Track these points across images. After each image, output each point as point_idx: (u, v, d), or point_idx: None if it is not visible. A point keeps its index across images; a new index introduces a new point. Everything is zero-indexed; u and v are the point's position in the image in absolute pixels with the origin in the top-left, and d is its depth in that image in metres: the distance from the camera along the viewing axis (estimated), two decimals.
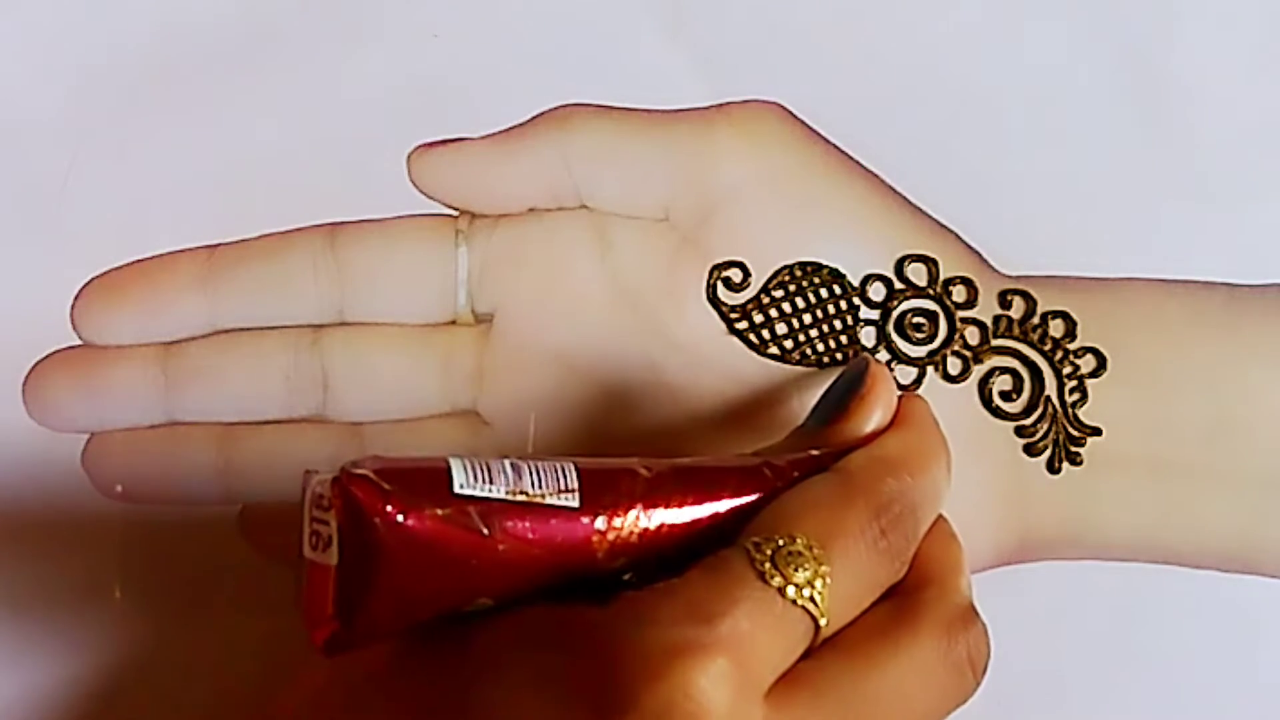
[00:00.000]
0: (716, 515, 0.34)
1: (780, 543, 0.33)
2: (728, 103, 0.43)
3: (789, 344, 0.43)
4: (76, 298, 0.42)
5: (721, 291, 0.42)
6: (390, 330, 0.42)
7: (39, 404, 0.42)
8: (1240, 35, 0.44)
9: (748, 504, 0.34)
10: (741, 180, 0.42)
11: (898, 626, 0.34)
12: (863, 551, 0.34)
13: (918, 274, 0.43)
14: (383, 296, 0.42)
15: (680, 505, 0.34)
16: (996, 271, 0.43)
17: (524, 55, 0.43)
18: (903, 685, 0.33)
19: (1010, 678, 0.43)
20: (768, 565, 0.32)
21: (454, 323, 0.42)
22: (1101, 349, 0.43)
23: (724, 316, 0.42)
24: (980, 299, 0.43)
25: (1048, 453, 0.43)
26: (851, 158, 0.43)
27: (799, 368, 0.43)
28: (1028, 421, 0.43)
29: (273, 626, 0.41)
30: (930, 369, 0.43)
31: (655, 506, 0.33)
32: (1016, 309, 0.43)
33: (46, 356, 0.42)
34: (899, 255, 0.43)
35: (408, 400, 0.42)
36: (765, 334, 0.42)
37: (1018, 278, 0.43)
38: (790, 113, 0.43)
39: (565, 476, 0.33)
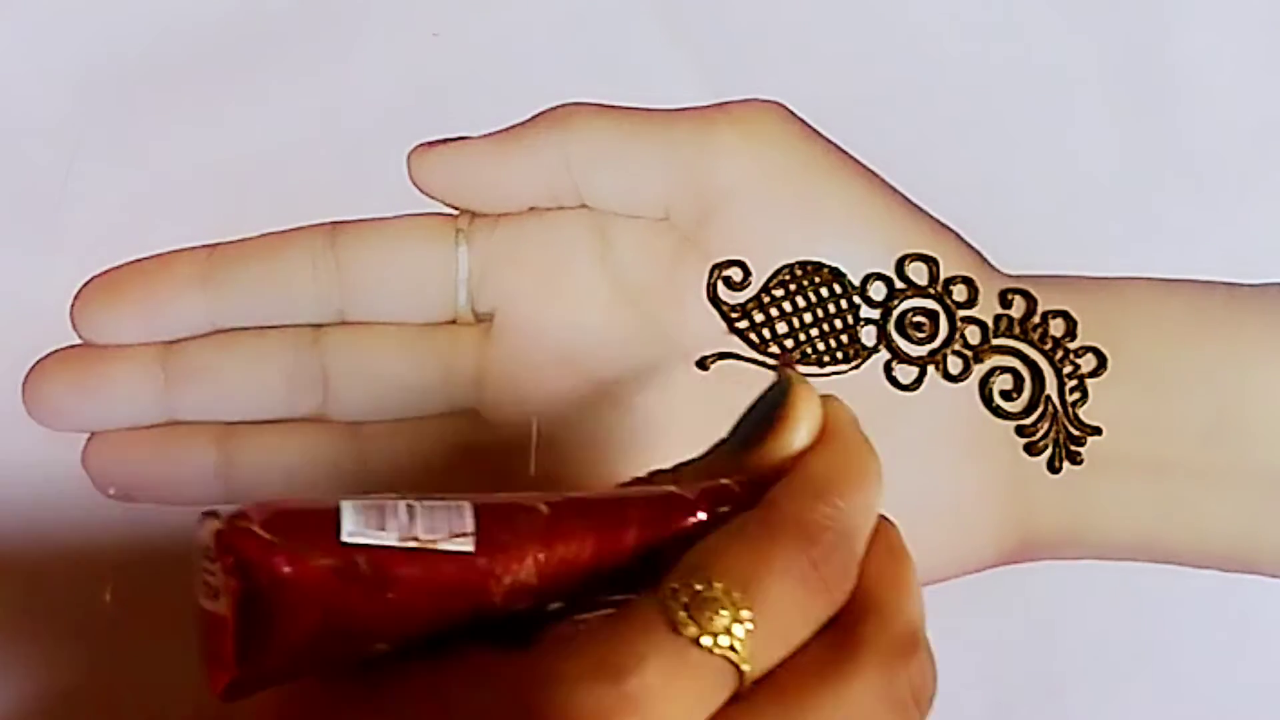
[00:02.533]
0: (621, 550, 0.33)
1: (697, 588, 0.30)
2: (728, 102, 0.43)
3: (789, 343, 0.43)
4: (76, 297, 0.42)
5: (722, 291, 0.42)
6: (390, 330, 0.42)
7: (38, 403, 0.41)
8: (1240, 35, 0.44)
9: (654, 537, 0.33)
10: (742, 179, 0.42)
11: (835, 667, 0.32)
12: (789, 589, 0.31)
13: (918, 273, 0.43)
14: (383, 296, 0.42)
15: (582, 542, 0.32)
16: (997, 271, 0.43)
17: (524, 55, 0.43)
18: None
19: (1010, 678, 0.43)
20: (681, 614, 0.30)
21: (454, 322, 0.42)
22: (1102, 348, 0.43)
23: (724, 316, 0.42)
24: (981, 298, 0.43)
25: (1048, 452, 0.43)
26: (852, 157, 0.43)
27: (798, 366, 0.43)
28: (1028, 421, 0.43)
29: None
30: (931, 368, 0.43)
31: (555, 545, 0.32)
32: (1017, 308, 0.43)
33: (46, 355, 0.42)
34: (899, 254, 0.43)
35: (408, 400, 0.42)
36: (766, 333, 0.42)
37: (1018, 277, 0.43)
38: (790, 112, 0.43)
39: (460, 519, 0.32)
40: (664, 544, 0.32)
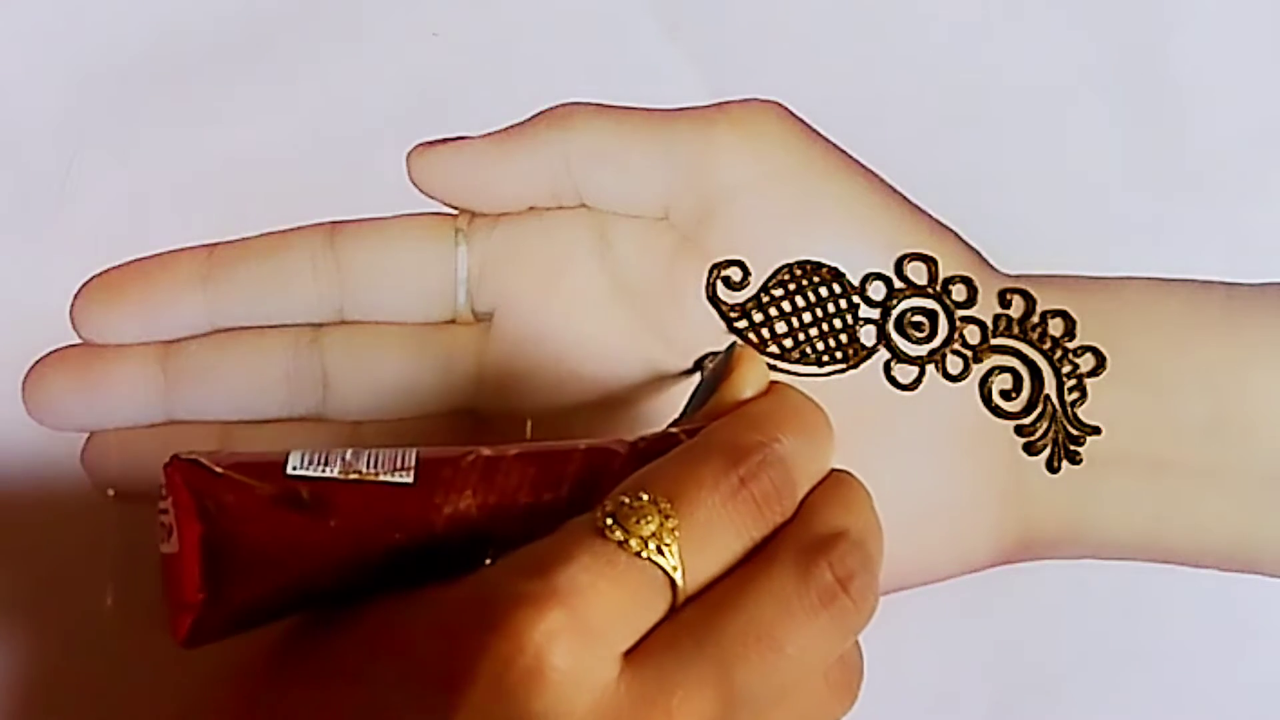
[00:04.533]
0: (561, 489, 0.34)
1: (625, 500, 0.32)
2: (727, 101, 0.43)
3: (789, 343, 0.43)
4: (76, 296, 0.42)
5: (721, 290, 0.42)
6: (390, 329, 0.42)
7: (38, 402, 0.42)
8: (1240, 35, 0.44)
9: (595, 478, 0.34)
10: (741, 179, 0.42)
11: (754, 565, 0.33)
12: (718, 501, 0.32)
13: (917, 273, 0.43)
14: (382, 295, 0.42)
15: (521, 479, 0.33)
16: (996, 270, 0.43)
17: (524, 55, 0.43)
18: (762, 620, 0.32)
19: (1010, 678, 0.43)
20: (609, 521, 0.31)
21: (454, 322, 0.42)
22: (1101, 348, 0.43)
23: (724, 315, 0.42)
24: (980, 298, 0.43)
25: (1047, 451, 0.43)
26: (851, 157, 0.43)
27: (798, 365, 0.43)
28: (1027, 420, 0.43)
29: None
30: (930, 368, 0.43)
31: (494, 480, 0.33)
32: (1016, 308, 0.43)
33: (46, 355, 0.42)
34: (899, 254, 0.43)
35: (407, 399, 0.42)
36: (765, 333, 0.42)
37: (1017, 276, 0.43)
38: (790, 111, 0.43)
39: (403, 457, 0.33)
40: (605, 485, 0.33)
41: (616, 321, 0.42)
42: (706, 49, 0.43)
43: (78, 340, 0.42)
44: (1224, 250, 0.44)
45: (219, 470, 0.32)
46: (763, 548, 0.33)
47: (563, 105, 0.43)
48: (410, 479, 0.33)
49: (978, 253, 0.43)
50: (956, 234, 0.43)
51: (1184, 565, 0.43)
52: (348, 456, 0.33)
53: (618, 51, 0.43)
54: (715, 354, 0.42)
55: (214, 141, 0.42)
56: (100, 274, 0.42)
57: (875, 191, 0.43)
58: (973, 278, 0.43)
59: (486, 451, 0.34)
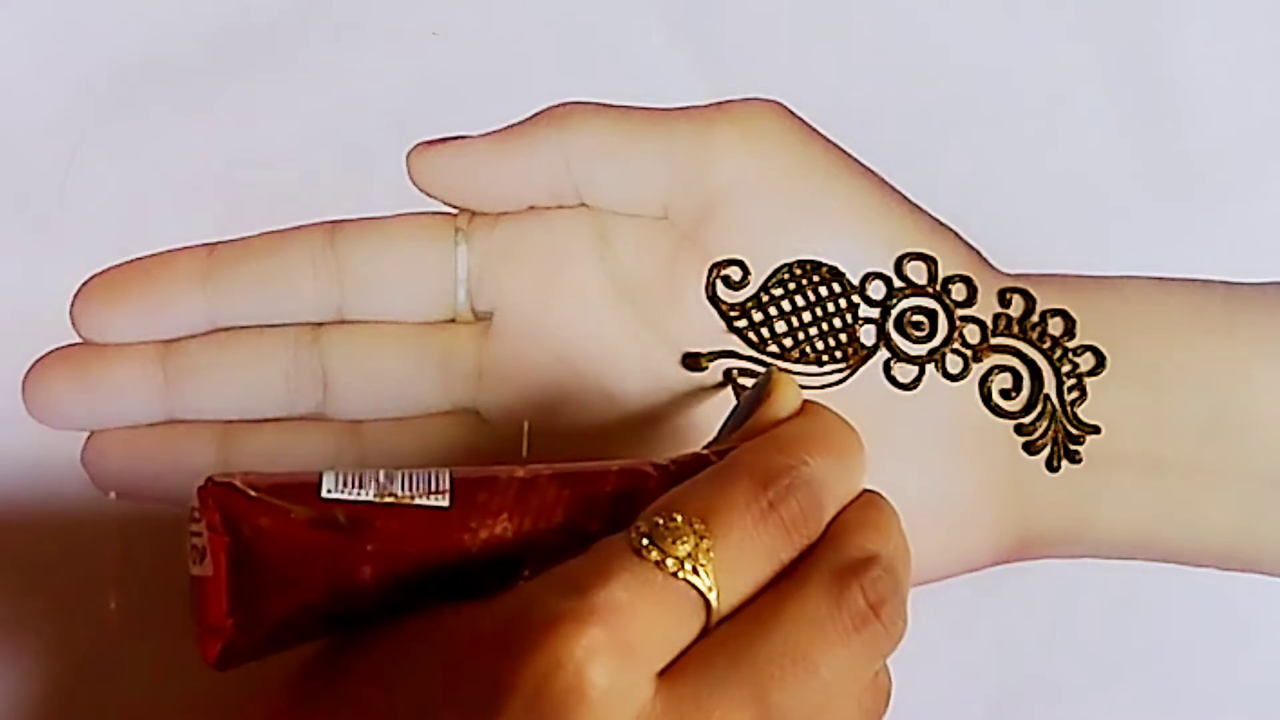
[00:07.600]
0: (595, 511, 0.34)
1: (659, 521, 0.32)
2: (727, 101, 0.43)
3: (788, 342, 0.43)
4: (76, 295, 0.42)
5: (721, 290, 0.42)
6: (390, 328, 0.42)
7: (38, 401, 0.41)
8: (1238, 35, 0.44)
9: (628, 500, 0.34)
10: (741, 178, 0.42)
11: (787, 586, 0.33)
12: (749, 523, 0.33)
13: (917, 272, 0.43)
14: (382, 294, 0.42)
15: (555, 502, 0.34)
16: (996, 270, 0.43)
17: (524, 55, 0.43)
18: (797, 642, 0.32)
19: (1009, 677, 0.44)
20: (645, 542, 0.31)
21: (453, 321, 0.42)
22: (1100, 347, 0.43)
23: (723, 315, 0.42)
24: (980, 297, 0.43)
25: (1047, 451, 0.43)
26: (851, 156, 0.43)
27: (797, 365, 0.43)
28: (1027, 420, 0.43)
29: None
30: (930, 367, 0.43)
31: (529, 503, 0.33)
32: (1016, 307, 0.43)
33: (46, 354, 0.42)
34: (898, 253, 0.43)
35: (407, 398, 0.42)
36: (764, 332, 0.42)
37: (1017, 276, 0.43)
38: (790, 111, 0.43)
39: (437, 480, 0.33)
40: (638, 506, 0.33)
41: (616, 321, 0.42)
42: (706, 49, 0.43)
43: (78, 340, 0.42)
44: (1224, 250, 0.44)
45: (253, 494, 0.32)
46: (794, 569, 0.33)
47: (562, 105, 0.43)
48: (446, 502, 0.33)
49: (977, 252, 0.43)
50: (956, 233, 0.43)
51: (1183, 564, 0.43)
52: (382, 478, 0.33)
53: (618, 51, 0.43)
54: (739, 371, 0.42)
55: (214, 141, 0.42)
56: (100, 273, 0.42)
57: (875, 191, 0.43)
58: (972, 277, 0.43)
59: (520, 473, 0.34)
